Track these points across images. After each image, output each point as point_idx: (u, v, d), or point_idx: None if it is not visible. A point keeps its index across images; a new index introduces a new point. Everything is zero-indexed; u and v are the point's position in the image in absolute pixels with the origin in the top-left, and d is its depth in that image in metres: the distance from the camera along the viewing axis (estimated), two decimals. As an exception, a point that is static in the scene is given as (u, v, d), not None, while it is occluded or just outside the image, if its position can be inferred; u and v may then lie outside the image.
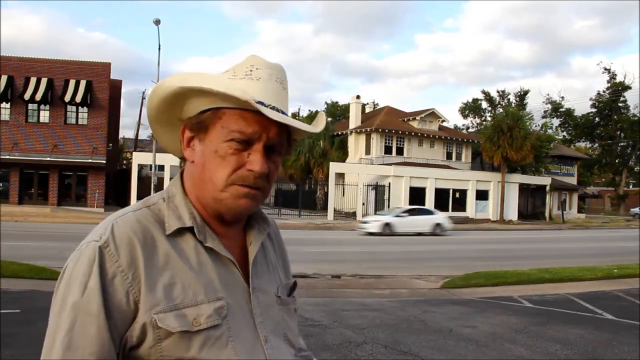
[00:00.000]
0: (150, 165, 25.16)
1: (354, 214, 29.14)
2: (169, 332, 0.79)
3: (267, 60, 0.89)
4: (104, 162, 27.23)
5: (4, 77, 26.18)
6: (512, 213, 33.68)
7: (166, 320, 0.79)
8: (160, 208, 0.89)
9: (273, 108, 0.85)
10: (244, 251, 0.94)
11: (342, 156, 35.05)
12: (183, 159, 0.94)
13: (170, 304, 0.80)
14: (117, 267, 0.79)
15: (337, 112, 61.35)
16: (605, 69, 55.29)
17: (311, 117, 43.56)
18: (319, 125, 0.95)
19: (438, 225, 21.80)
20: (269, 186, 0.89)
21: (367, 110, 48.28)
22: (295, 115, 46.56)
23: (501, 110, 53.80)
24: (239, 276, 0.89)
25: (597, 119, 55.95)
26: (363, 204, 29.32)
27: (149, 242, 0.83)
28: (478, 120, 65.11)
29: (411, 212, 22.48)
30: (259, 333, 0.88)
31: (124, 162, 43.52)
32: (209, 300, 0.83)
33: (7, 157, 25.83)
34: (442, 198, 31.74)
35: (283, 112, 0.87)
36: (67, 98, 26.53)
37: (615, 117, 53.44)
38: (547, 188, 36.50)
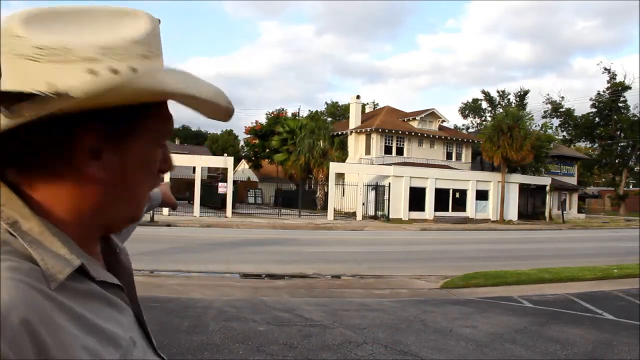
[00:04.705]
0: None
1: (354, 214, 29.14)
2: None
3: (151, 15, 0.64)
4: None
5: (4, 77, 26.25)
6: (512, 213, 33.66)
7: None
8: (15, 248, 0.53)
9: None
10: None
11: (342, 156, 35.07)
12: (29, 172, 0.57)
13: None
14: None
15: (338, 112, 61.45)
16: (606, 69, 55.54)
17: (311, 117, 43.50)
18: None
19: None
20: None
21: (368, 110, 48.36)
22: (296, 115, 46.57)
23: (501, 110, 53.86)
24: (124, 297, 0.67)
25: (597, 119, 56.03)
26: (363, 204, 29.32)
27: (46, 313, 0.49)
28: (478, 120, 65.27)
29: None
30: (154, 343, 0.71)
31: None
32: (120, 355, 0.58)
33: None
34: (442, 198, 31.75)
35: None
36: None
37: (615, 117, 53.50)
38: (547, 188, 36.49)
